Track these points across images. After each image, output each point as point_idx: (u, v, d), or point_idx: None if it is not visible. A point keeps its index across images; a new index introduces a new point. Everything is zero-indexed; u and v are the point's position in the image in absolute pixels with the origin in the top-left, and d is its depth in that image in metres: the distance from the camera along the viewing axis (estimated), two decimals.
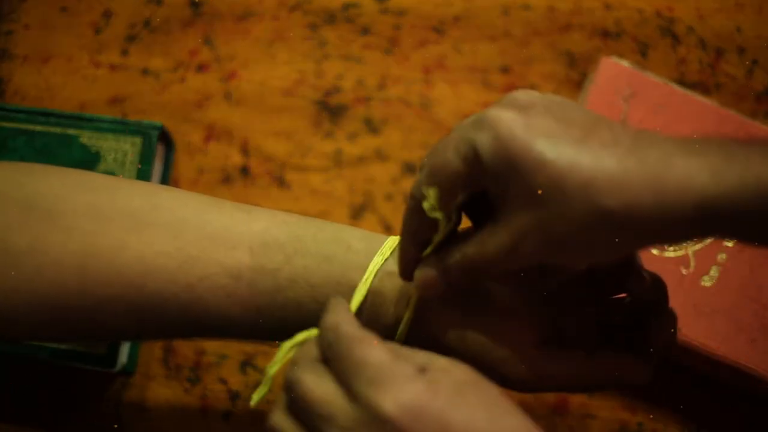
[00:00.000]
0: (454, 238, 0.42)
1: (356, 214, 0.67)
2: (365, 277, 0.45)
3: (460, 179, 0.39)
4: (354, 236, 0.47)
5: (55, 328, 0.48)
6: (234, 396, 0.64)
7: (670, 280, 0.60)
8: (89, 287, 0.46)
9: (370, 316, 0.46)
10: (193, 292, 0.46)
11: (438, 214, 0.41)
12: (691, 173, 0.35)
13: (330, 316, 0.40)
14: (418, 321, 0.45)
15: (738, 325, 0.59)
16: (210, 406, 0.64)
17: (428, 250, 0.43)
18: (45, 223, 0.46)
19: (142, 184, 0.50)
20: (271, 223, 0.47)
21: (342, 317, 0.40)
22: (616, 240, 0.37)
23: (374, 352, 0.37)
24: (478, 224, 0.42)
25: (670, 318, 0.46)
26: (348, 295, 0.45)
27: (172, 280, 0.46)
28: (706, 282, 0.60)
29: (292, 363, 0.40)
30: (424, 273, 0.42)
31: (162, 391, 0.65)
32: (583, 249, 0.38)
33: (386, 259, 0.46)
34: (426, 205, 0.40)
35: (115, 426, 0.64)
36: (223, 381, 0.65)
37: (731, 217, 0.35)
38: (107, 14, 0.72)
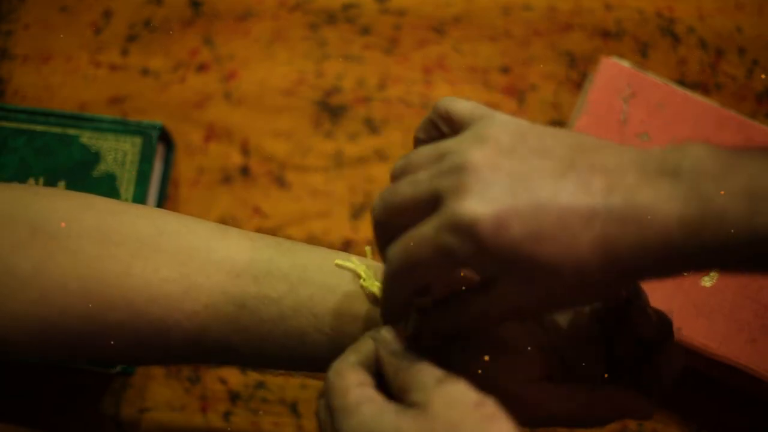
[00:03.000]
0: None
1: (356, 214, 0.67)
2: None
3: (434, 280, 0.42)
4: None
5: (59, 351, 0.47)
6: (234, 396, 0.64)
7: (670, 280, 0.60)
8: (94, 312, 0.45)
9: None
10: (197, 319, 0.45)
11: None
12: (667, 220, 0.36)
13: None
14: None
15: (738, 325, 0.59)
16: (210, 406, 0.64)
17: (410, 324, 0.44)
18: (50, 246, 0.45)
19: (146, 209, 0.49)
20: (275, 251, 0.47)
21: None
22: (608, 290, 0.41)
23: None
24: None
25: (676, 355, 0.46)
26: (350, 326, 0.45)
27: (176, 307, 0.45)
28: (706, 282, 0.60)
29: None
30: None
31: (162, 391, 0.65)
32: (578, 303, 0.43)
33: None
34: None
35: (115, 426, 0.64)
36: (223, 381, 0.65)
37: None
38: (107, 14, 0.72)
